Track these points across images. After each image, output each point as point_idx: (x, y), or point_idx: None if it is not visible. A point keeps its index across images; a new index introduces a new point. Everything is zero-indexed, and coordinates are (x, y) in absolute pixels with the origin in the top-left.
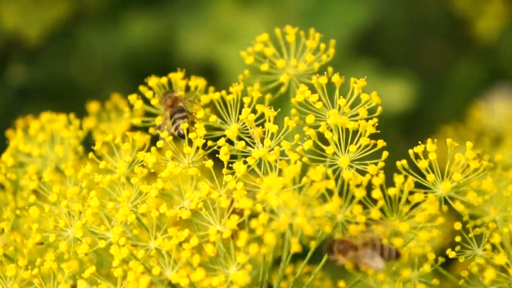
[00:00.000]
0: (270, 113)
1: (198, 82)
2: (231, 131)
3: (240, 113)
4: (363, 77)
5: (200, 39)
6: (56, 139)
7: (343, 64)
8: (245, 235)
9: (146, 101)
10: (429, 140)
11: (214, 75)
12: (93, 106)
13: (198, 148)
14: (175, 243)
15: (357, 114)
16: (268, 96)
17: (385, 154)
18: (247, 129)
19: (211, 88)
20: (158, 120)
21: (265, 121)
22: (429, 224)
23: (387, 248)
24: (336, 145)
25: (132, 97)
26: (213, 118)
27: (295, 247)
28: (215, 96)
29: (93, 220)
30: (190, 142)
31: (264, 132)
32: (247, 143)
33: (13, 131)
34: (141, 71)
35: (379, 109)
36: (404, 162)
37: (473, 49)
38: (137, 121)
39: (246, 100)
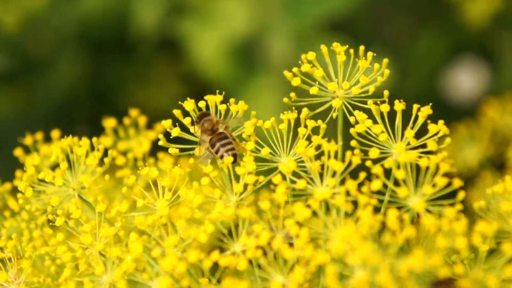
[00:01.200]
0: (330, 147)
1: (240, 107)
2: (287, 166)
3: (289, 144)
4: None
5: (152, 12)
6: (76, 164)
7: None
8: None
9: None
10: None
11: (179, 52)
12: (109, 122)
13: (246, 185)
14: None
15: (423, 146)
16: (323, 126)
17: (461, 194)
18: (301, 162)
19: (253, 113)
20: (198, 151)
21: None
22: None
23: None
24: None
25: (167, 123)
26: (265, 151)
27: None
28: (266, 124)
29: (134, 266)
30: (237, 177)
31: (322, 167)
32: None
33: (21, 151)
34: (97, 43)
35: (448, 140)
36: (482, 203)
37: (436, 23)
38: (174, 151)
39: (301, 131)
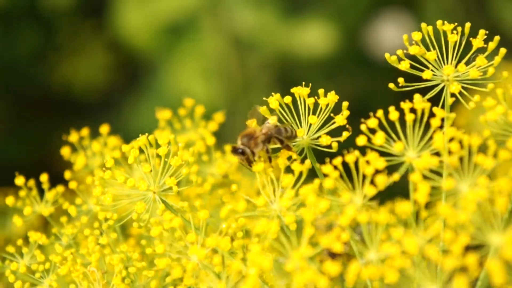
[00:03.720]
0: (474, 141)
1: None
2: (424, 160)
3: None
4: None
5: None
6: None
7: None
8: None
9: None
10: None
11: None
12: (163, 114)
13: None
14: None
15: None
16: (452, 115)
17: None
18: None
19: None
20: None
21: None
22: None
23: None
24: None
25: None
26: (399, 146)
27: None
28: (392, 116)
29: (259, 284)
30: (364, 178)
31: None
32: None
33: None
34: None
35: None
36: None
37: None
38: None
39: (435, 122)
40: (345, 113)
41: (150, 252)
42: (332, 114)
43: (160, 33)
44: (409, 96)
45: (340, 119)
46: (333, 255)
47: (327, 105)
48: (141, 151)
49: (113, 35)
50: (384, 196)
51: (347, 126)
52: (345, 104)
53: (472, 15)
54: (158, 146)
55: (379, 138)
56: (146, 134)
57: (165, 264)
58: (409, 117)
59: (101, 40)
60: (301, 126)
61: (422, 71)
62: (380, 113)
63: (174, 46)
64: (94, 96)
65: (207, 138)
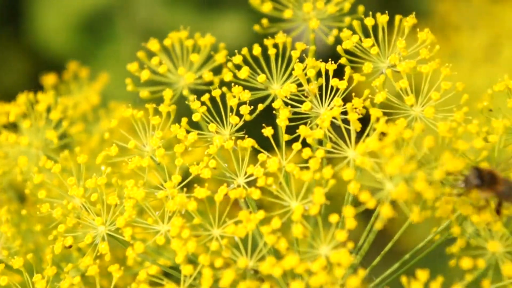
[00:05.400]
0: (330, 66)
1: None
2: (285, 89)
3: (282, 70)
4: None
5: None
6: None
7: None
8: (351, 209)
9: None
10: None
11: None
12: (49, 79)
13: (242, 116)
14: (251, 227)
15: (417, 55)
16: (312, 48)
17: (465, 97)
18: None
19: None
20: None
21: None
22: None
23: None
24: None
25: (133, 66)
26: (262, 78)
27: (416, 217)
28: (255, 51)
29: (134, 213)
30: (232, 110)
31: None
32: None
33: None
34: None
35: (437, 47)
36: (486, 103)
37: None
38: (145, 93)
39: (295, 53)
40: (224, 51)
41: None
42: (212, 52)
43: (77, 34)
44: None
45: (220, 57)
46: None
47: (205, 45)
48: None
49: (31, 41)
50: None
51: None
52: (221, 45)
53: None
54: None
55: (243, 72)
56: (26, 91)
57: (47, 208)
58: (272, 51)
59: (20, 47)
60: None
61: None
62: (245, 50)
63: (95, 49)
64: None
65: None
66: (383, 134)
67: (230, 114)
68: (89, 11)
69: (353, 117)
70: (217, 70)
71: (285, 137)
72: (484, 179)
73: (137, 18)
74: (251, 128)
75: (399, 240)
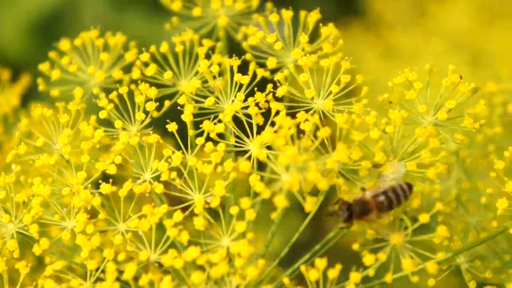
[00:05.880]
0: (233, 62)
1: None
2: (190, 86)
3: (190, 67)
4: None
5: None
6: None
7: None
8: (247, 200)
9: None
10: (406, 70)
11: None
12: None
13: (148, 113)
14: (155, 221)
15: (320, 50)
16: (219, 44)
17: (365, 89)
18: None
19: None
20: None
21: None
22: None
23: (398, 187)
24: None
25: (44, 66)
26: (168, 75)
27: (310, 206)
28: (162, 48)
29: (42, 210)
30: (139, 107)
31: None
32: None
33: None
34: None
35: (340, 42)
36: (387, 96)
37: None
38: (55, 92)
39: (201, 50)
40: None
41: None
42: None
43: (31, 37)
44: None
45: (130, 55)
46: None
47: (116, 44)
48: None
49: None
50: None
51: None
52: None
53: None
54: None
55: (150, 70)
56: None
57: None
58: (179, 48)
59: None
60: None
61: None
62: (153, 48)
63: (49, 50)
64: None
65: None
66: (281, 127)
67: (137, 111)
68: (39, 14)
69: (253, 111)
70: (129, 69)
71: (191, 132)
72: (352, 211)
73: (85, 18)
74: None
75: None
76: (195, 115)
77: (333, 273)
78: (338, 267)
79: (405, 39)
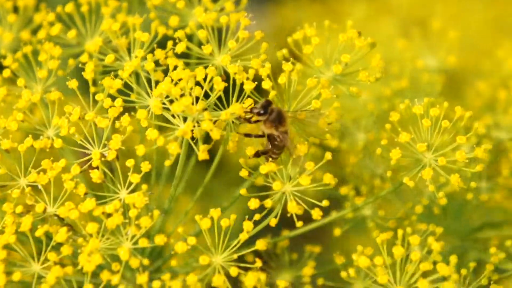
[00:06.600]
0: (135, 20)
1: None
2: (93, 44)
3: (95, 25)
4: None
5: None
6: None
7: None
8: (142, 148)
9: None
10: (306, 25)
11: None
12: None
13: (52, 71)
14: (53, 175)
15: (222, 9)
16: (125, 4)
17: (264, 45)
18: (109, 42)
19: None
20: None
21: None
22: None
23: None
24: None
25: None
26: (72, 34)
27: (203, 155)
28: (68, 8)
29: None
30: (42, 66)
31: (129, 43)
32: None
33: None
34: None
35: (244, 1)
36: (285, 51)
37: None
38: None
39: (106, 10)
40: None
41: None
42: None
43: None
44: None
45: (39, 17)
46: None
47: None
48: None
49: None
50: None
51: None
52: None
53: None
54: None
55: (55, 29)
56: None
57: None
58: (84, 8)
59: None
60: None
61: None
62: (59, 8)
63: None
64: None
65: None
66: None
67: (40, 69)
68: None
69: (149, 66)
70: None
71: (92, 89)
72: (269, 112)
73: None
74: None
75: None
76: (102, 74)
77: (226, 222)
78: (233, 216)
79: (353, 12)
